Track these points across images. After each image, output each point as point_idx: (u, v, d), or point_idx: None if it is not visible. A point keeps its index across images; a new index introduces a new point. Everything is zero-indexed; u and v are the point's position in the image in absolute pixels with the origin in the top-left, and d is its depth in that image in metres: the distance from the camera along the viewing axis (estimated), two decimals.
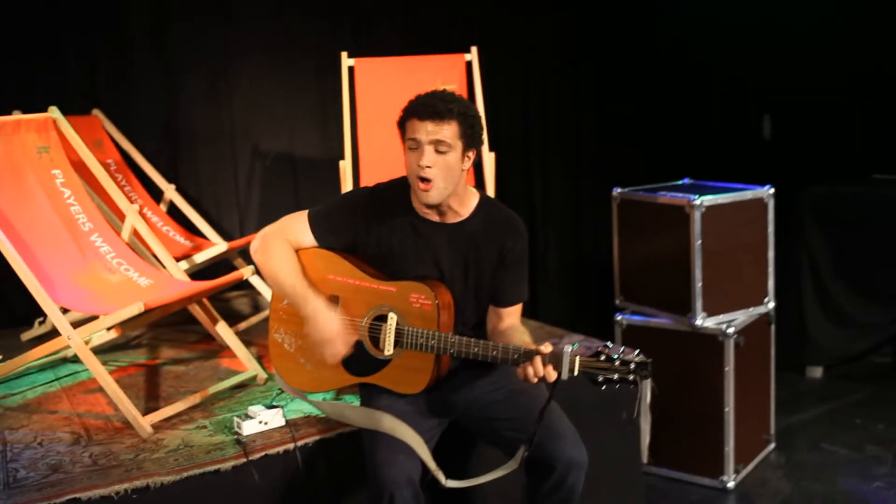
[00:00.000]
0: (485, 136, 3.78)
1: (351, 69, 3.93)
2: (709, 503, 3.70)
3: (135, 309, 2.85)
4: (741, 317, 3.79)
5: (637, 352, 2.44)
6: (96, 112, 4.39)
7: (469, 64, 3.93)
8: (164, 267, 3.48)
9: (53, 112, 3.47)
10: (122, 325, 3.53)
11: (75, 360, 3.70)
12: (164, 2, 4.63)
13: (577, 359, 2.41)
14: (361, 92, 3.92)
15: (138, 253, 3.53)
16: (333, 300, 2.73)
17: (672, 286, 3.72)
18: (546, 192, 5.61)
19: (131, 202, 4.21)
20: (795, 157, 5.35)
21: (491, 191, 3.75)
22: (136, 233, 3.59)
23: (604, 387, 2.43)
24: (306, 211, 2.76)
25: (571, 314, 5.54)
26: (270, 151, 4.95)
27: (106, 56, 4.51)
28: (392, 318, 2.66)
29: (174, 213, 4.47)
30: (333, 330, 2.63)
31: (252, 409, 2.88)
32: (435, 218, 2.69)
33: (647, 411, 3.42)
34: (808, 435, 4.30)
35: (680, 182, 4.09)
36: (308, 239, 2.74)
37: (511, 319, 2.76)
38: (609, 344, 2.46)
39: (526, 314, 3.99)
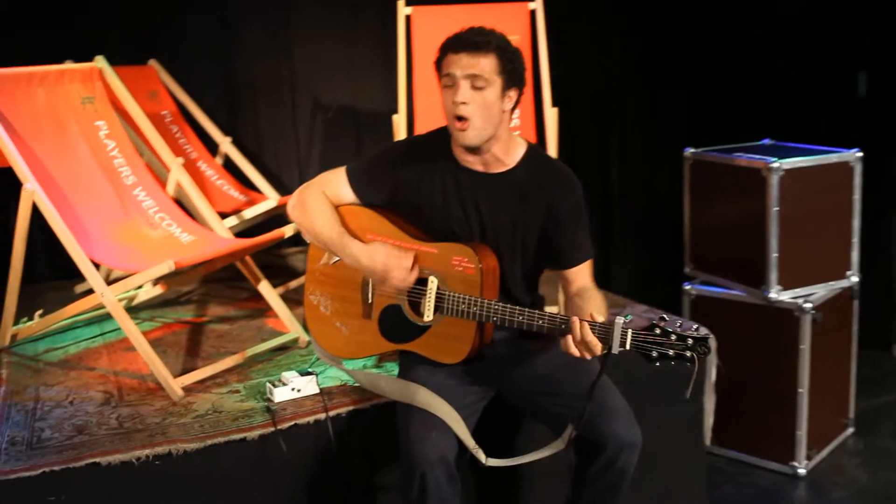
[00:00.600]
0: (547, 92, 3.62)
1: (408, 18, 3.71)
2: (778, 490, 3.45)
3: (164, 268, 2.74)
4: (820, 291, 3.49)
5: (696, 326, 2.22)
6: (152, 62, 4.29)
7: (533, 13, 3.67)
8: (208, 223, 3.36)
9: (99, 62, 3.37)
10: (168, 280, 3.49)
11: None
12: None
13: (629, 332, 2.20)
14: (418, 42, 3.71)
15: (185, 209, 3.43)
16: None
17: (746, 256, 3.45)
18: (618, 152, 5.31)
19: (185, 155, 4.15)
20: (892, 118, 4.93)
21: (553, 149, 3.50)
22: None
23: (658, 363, 2.22)
24: (345, 166, 2.60)
25: (641, 282, 5.27)
26: (332, 104, 4.78)
27: (164, 6, 4.39)
28: (433, 282, 2.48)
29: (231, 167, 4.37)
30: (385, 258, 2.45)
31: (285, 376, 2.76)
32: (478, 167, 2.49)
33: (711, 390, 3.18)
34: (892, 419, 3.99)
35: (759, 143, 3.78)
36: (346, 193, 2.58)
37: (581, 280, 2.53)
38: (666, 316, 2.24)
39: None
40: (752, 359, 3.50)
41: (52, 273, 4.16)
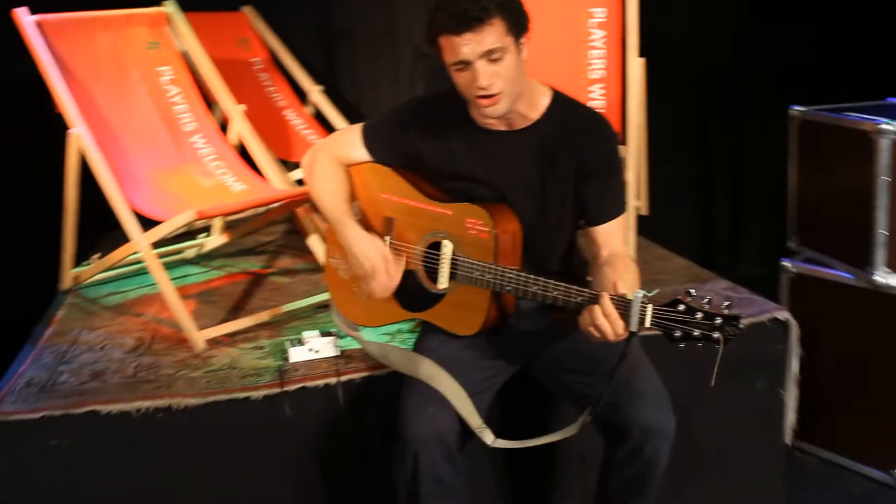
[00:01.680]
0: (633, 40, 3.25)
1: None
2: (872, 500, 3.02)
3: (185, 217, 2.67)
4: None
5: (727, 304, 1.93)
6: (246, 9, 4.22)
7: None
8: (267, 173, 3.27)
9: (168, 6, 3.33)
10: (233, 230, 3.45)
11: (195, 261, 3.64)
12: None
13: (650, 307, 1.94)
14: None
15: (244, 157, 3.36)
16: (388, 223, 2.39)
17: (852, 232, 3.00)
18: (715, 108, 4.77)
19: (273, 103, 4.08)
20: None
21: (636, 104, 3.16)
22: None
23: (682, 344, 1.95)
24: (361, 124, 2.42)
25: (731, 255, 4.79)
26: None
27: None
28: (447, 247, 2.27)
29: (322, 118, 4.26)
30: (374, 259, 2.30)
31: (305, 335, 2.63)
32: (500, 127, 2.25)
33: (793, 382, 2.80)
34: None
35: (882, 102, 3.28)
36: (360, 153, 2.40)
37: (612, 244, 2.25)
38: (692, 291, 1.94)
39: (679, 249, 3.46)
40: (853, 348, 3.07)
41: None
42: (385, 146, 2.37)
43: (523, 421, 2.48)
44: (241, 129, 3.30)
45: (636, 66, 3.20)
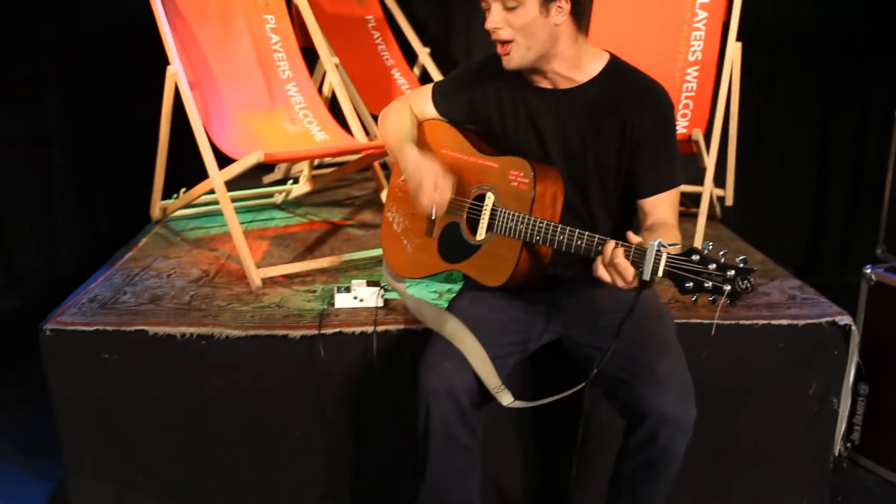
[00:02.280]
0: (734, 23, 3.12)
1: None
2: None
3: (253, 158, 2.77)
4: None
5: (743, 258, 1.87)
6: None
7: None
8: (351, 126, 3.34)
9: None
10: (316, 180, 3.55)
11: (282, 206, 3.77)
12: None
13: (664, 255, 1.90)
14: None
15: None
16: None
17: None
18: (821, 99, 4.50)
19: (381, 61, 4.16)
20: None
21: (727, 93, 3.06)
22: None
23: (693, 295, 1.90)
24: (434, 82, 2.49)
25: (817, 258, 4.54)
26: None
27: None
28: (489, 199, 2.29)
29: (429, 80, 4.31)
30: (425, 170, 2.27)
31: (353, 283, 2.69)
32: (545, 85, 2.25)
33: (847, 391, 2.67)
34: None
35: None
36: (429, 108, 2.45)
37: (659, 213, 2.20)
38: (710, 244, 1.90)
39: (760, 244, 3.32)
40: None
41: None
42: (450, 104, 2.41)
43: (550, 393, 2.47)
44: (334, 80, 3.38)
45: (733, 51, 3.10)
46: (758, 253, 3.22)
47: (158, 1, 3.03)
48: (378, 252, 3.06)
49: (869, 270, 3.05)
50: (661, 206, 2.22)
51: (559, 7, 2.11)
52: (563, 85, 2.23)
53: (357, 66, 3.82)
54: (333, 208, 3.82)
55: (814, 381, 2.64)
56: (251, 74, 3.28)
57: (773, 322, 2.59)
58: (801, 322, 2.60)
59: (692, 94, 3.17)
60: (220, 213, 3.55)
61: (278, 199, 3.77)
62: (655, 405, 2.08)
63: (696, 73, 3.20)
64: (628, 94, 2.19)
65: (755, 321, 2.59)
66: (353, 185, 4.13)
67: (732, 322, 2.58)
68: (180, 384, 2.53)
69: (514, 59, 2.16)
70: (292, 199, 3.78)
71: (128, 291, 2.78)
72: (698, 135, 2.81)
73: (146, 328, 2.50)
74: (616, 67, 2.23)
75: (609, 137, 2.20)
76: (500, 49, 2.16)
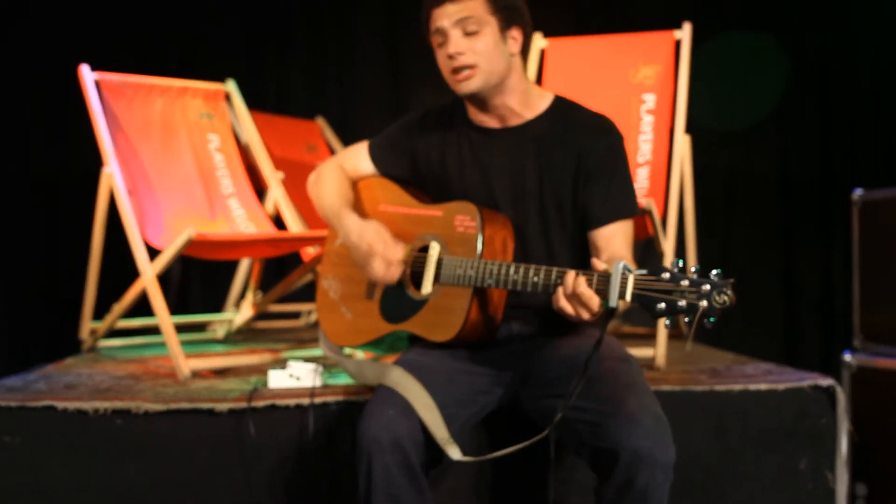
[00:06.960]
0: (681, 121, 3.12)
1: (542, 52, 3.45)
2: None
3: (184, 237, 2.61)
4: None
5: (717, 271, 1.69)
6: (319, 119, 4.37)
7: (678, 43, 3.26)
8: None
9: (228, 85, 3.44)
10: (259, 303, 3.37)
11: (224, 340, 3.55)
12: (396, 22, 4.58)
13: (631, 277, 1.73)
14: (551, 74, 3.43)
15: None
16: None
17: None
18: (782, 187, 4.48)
19: None
20: None
21: (678, 181, 3.01)
22: None
23: (666, 318, 1.71)
24: (368, 140, 2.38)
25: (785, 347, 4.32)
26: None
27: (336, 65, 4.55)
28: (434, 248, 2.12)
29: None
30: (370, 239, 2.12)
31: (290, 362, 2.46)
32: (493, 124, 2.16)
33: (843, 465, 2.40)
34: None
35: None
36: (366, 165, 2.34)
37: (613, 248, 2.07)
38: (680, 261, 1.72)
39: (720, 339, 3.14)
40: None
41: (204, 306, 4.19)
42: (389, 153, 2.31)
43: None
44: (277, 194, 3.30)
45: (682, 143, 3.10)
46: (720, 351, 3.04)
47: (96, 104, 2.98)
48: (319, 352, 2.84)
49: (849, 357, 2.86)
50: (615, 240, 2.09)
51: (514, 38, 2.10)
52: (513, 121, 2.16)
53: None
54: (277, 341, 3.59)
55: (803, 455, 2.38)
56: (191, 187, 3.18)
57: (751, 387, 2.38)
58: (782, 386, 2.39)
59: (645, 193, 3.12)
60: (158, 345, 3.34)
61: (220, 332, 3.55)
62: (628, 442, 1.83)
63: (647, 174, 3.17)
64: (579, 125, 2.14)
65: (731, 386, 2.37)
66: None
67: (706, 389, 2.37)
68: (92, 470, 2.23)
69: (476, 81, 2.08)
70: (235, 330, 3.56)
71: (41, 381, 2.51)
72: (651, 204, 2.72)
73: (55, 403, 2.22)
74: (563, 104, 2.19)
75: (563, 168, 2.11)
76: (458, 76, 2.08)
